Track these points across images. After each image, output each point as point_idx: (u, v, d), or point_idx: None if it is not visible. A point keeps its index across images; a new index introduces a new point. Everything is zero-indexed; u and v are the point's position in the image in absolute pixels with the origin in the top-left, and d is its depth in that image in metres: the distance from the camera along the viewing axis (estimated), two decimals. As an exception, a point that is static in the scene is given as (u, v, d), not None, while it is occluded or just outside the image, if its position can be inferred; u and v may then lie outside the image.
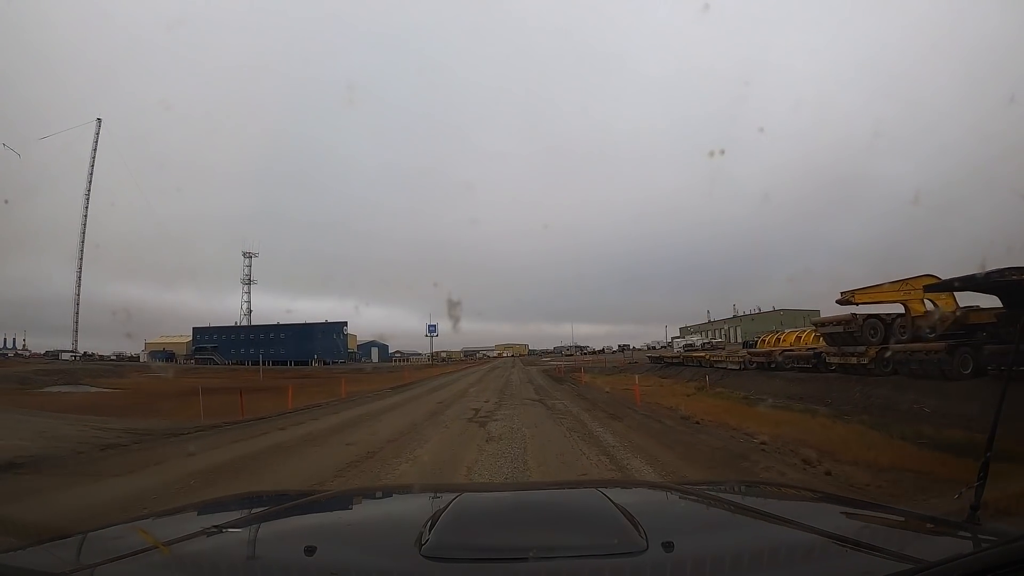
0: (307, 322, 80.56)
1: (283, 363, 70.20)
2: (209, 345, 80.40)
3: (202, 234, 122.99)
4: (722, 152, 73.89)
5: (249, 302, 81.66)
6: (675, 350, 54.37)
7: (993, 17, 78.94)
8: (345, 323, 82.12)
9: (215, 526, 1.53)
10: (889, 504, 1.85)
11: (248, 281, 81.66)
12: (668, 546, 1.17)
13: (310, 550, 1.25)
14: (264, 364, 66.06)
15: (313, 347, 77.56)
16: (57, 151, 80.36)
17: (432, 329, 73.22)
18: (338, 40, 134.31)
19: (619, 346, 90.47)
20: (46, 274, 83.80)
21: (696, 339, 67.59)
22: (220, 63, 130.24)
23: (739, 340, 62.54)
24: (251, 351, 74.67)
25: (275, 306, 79.79)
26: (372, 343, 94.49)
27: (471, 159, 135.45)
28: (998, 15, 74.48)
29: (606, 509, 1.46)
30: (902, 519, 1.47)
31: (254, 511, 1.84)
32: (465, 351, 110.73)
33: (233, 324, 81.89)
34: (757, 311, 74.49)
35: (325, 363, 72.48)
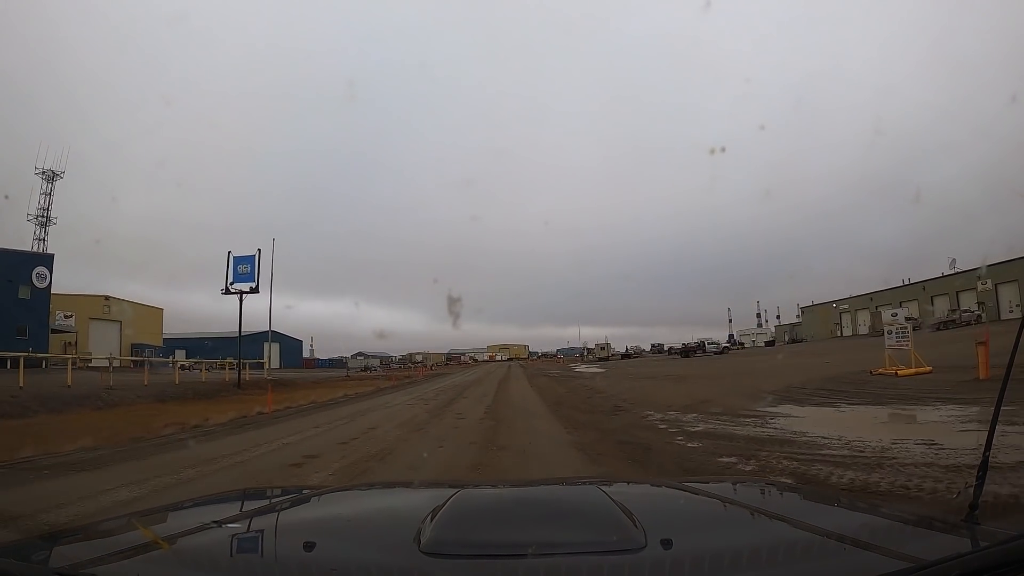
0: None
1: None
2: None
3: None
4: (723, 150, 73.17)
5: (44, 239, 44.76)
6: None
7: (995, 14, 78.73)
8: (49, 257, 40.79)
9: (214, 521, 1.53)
10: (888, 503, 2.04)
11: (44, 217, 44.72)
12: (667, 543, 1.18)
13: (309, 546, 1.25)
14: None
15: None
16: None
17: (243, 277, 27.23)
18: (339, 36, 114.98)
19: (652, 346, 73.75)
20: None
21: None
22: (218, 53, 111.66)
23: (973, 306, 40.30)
24: None
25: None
26: (269, 334, 39.25)
27: (471, 155, 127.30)
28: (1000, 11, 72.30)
29: (605, 506, 1.46)
30: (901, 518, 1.50)
31: (253, 507, 1.86)
32: (451, 353, 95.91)
33: None
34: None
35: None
